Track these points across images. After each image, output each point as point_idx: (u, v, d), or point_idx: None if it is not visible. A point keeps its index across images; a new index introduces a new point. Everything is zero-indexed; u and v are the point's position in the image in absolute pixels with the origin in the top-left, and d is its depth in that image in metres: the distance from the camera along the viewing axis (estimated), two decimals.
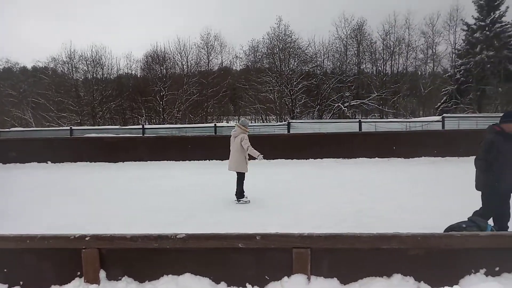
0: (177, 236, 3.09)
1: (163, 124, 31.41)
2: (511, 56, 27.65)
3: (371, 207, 7.21)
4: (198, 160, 14.12)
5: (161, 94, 33.84)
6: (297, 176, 10.80)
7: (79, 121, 32.94)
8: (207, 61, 37.56)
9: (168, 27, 59.64)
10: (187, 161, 14.12)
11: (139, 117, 36.03)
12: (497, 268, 2.48)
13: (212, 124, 20.23)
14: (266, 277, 2.84)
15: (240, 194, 7.93)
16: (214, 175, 11.12)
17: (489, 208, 4.85)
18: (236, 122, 8.11)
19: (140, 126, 21.25)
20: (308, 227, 5.53)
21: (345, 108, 31.98)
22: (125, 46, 60.02)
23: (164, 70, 35.64)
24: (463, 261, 2.49)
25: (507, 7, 27.95)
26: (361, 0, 47.13)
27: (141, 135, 18.26)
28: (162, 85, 33.73)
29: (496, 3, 28.38)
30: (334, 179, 10.20)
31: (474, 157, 13.92)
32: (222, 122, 37.54)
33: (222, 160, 13.88)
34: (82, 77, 35.71)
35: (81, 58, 34.82)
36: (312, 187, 9.22)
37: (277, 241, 2.73)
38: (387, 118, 30.99)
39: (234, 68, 41.75)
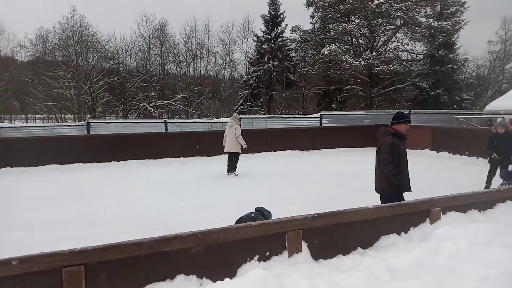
0: None
1: None
2: (290, 67, 32.96)
3: (177, 206, 7.21)
4: None
5: None
6: (99, 181, 9.92)
7: None
8: None
9: None
10: None
11: None
12: (267, 253, 2.74)
13: None
14: None
15: (233, 167, 10.51)
16: None
17: None
18: (231, 116, 11.41)
19: None
20: (108, 236, 5.07)
21: (151, 108, 31.52)
22: None
23: None
24: (240, 251, 2.65)
25: (286, 25, 33.25)
26: (161, 0, 47.17)
27: None
28: None
29: (278, 20, 33.30)
30: (139, 180, 9.80)
31: (265, 153, 15.65)
32: (3, 121, 31.37)
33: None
34: None
35: None
36: (116, 191, 8.60)
37: (41, 262, 2.27)
38: (193, 119, 32.22)
39: (18, 58, 35.39)
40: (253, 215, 4.41)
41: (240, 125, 10.79)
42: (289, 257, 2.75)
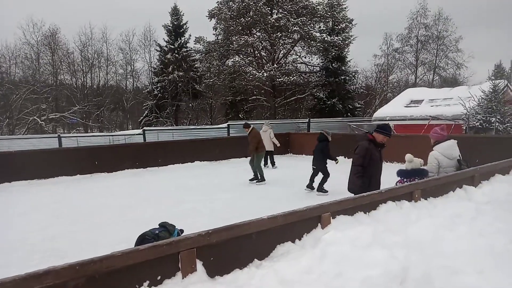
0: None
1: None
2: (196, 77, 32.79)
3: (67, 230, 6.58)
4: None
5: None
6: None
7: None
8: None
9: None
10: None
11: None
12: (159, 277, 2.60)
13: None
14: None
15: (272, 163, 13.81)
16: None
17: None
18: (264, 122, 14.59)
19: None
20: None
21: (42, 122, 28.57)
22: None
23: None
24: (127, 279, 2.46)
25: (190, 35, 33.10)
26: (50, 6, 43.32)
27: None
28: None
29: (181, 30, 32.96)
30: (25, 205, 8.73)
31: (173, 165, 15.18)
32: None
33: None
34: None
35: None
36: None
37: None
38: (92, 132, 30.03)
39: None
40: (157, 231, 4.23)
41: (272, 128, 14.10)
42: (183, 278, 2.64)
